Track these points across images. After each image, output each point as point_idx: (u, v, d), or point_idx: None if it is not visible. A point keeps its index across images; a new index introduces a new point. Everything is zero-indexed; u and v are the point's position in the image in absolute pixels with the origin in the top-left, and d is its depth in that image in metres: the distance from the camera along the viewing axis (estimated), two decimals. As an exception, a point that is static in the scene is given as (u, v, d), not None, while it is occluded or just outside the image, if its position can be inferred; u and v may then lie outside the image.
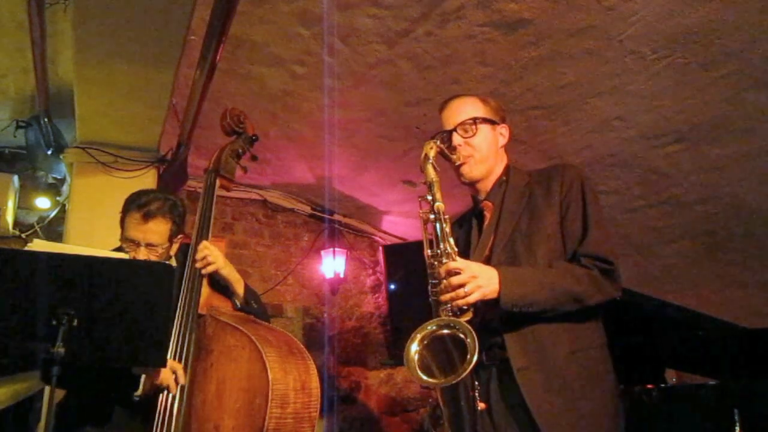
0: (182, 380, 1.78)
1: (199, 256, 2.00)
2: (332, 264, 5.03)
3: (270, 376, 1.68)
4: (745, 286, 4.41)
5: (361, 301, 5.40)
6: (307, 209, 5.19)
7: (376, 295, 5.50)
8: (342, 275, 5.07)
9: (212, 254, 2.02)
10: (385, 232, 5.59)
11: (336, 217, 5.28)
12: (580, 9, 2.71)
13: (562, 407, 1.51)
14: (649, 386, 2.67)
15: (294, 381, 1.75)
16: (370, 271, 5.53)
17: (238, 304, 2.07)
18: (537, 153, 3.80)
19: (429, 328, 1.52)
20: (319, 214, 5.22)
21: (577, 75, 3.13)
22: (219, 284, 2.08)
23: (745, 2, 2.57)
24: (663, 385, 2.84)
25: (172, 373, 1.78)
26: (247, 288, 2.12)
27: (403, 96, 3.49)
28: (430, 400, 1.59)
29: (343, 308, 5.25)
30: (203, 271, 2.00)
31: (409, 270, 5.19)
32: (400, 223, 5.42)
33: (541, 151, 3.78)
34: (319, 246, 5.19)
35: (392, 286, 5.36)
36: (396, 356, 5.31)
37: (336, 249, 5.06)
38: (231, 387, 1.74)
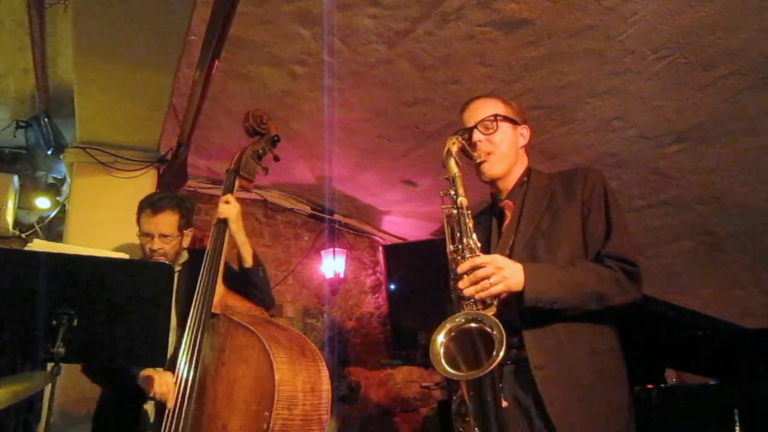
0: (171, 392, 1.81)
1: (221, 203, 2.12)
2: (332, 264, 5.03)
3: (277, 377, 1.68)
4: (745, 286, 4.41)
5: (361, 301, 5.39)
6: (307, 209, 5.19)
7: (376, 295, 5.50)
8: (342, 275, 5.07)
9: (229, 206, 2.11)
10: (385, 232, 5.59)
11: (336, 217, 5.28)
12: (580, 9, 2.71)
13: (578, 408, 1.51)
14: (649, 386, 2.67)
15: (303, 383, 1.75)
16: (370, 271, 5.53)
17: (244, 265, 2.15)
18: (537, 153, 3.80)
19: (456, 320, 1.49)
20: (319, 214, 5.22)
21: (577, 75, 3.13)
22: (234, 283, 2.13)
23: (745, 2, 2.57)
24: (663, 385, 2.84)
25: (164, 385, 1.82)
26: (255, 255, 2.20)
27: (403, 96, 3.49)
28: (454, 397, 1.57)
29: (343, 308, 5.25)
30: (222, 213, 2.09)
31: (409, 270, 5.19)
32: (400, 223, 5.42)
33: (541, 151, 3.78)
34: (319, 246, 5.19)
35: (392, 286, 5.36)
36: (396, 356, 5.31)
37: (336, 249, 5.06)
38: (240, 387, 1.75)
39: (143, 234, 2.27)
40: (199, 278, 1.96)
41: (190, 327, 1.86)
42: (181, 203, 2.33)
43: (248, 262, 2.16)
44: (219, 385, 1.78)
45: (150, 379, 1.86)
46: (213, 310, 1.90)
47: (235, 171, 2.20)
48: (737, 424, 2.32)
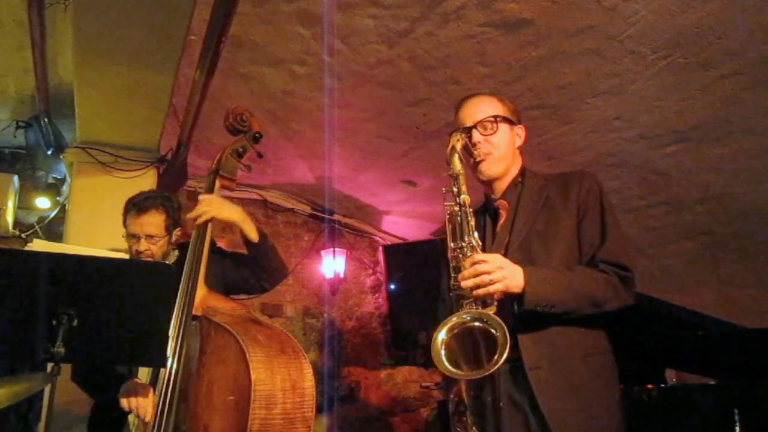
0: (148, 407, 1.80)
1: (193, 214, 2.05)
2: (332, 264, 5.03)
3: (252, 377, 1.66)
4: (745, 286, 4.41)
5: (361, 301, 5.39)
6: (307, 209, 5.19)
7: (376, 295, 5.50)
8: (342, 275, 5.07)
9: (206, 205, 2.04)
10: (385, 232, 5.59)
11: (336, 217, 5.28)
12: (580, 9, 2.71)
13: (574, 409, 1.52)
14: (649, 386, 2.67)
15: (282, 381, 1.73)
16: (370, 271, 5.53)
17: (252, 241, 2.15)
18: (537, 153, 3.80)
19: (459, 318, 1.49)
20: (319, 214, 5.22)
21: (577, 75, 3.13)
22: (216, 284, 2.10)
23: (745, 2, 2.57)
24: (663, 385, 2.84)
25: (142, 402, 1.80)
26: (257, 228, 2.19)
27: (403, 96, 3.49)
28: (451, 396, 1.58)
29: (343, 308, 5.25)
30: (198, 221, 2.03)
31: (409, 270, 5.19)
32: (400, 223, 5.42)
33: (541, 151, 3.78)
34: (319, 246, 5.19)
35: (392, 286, 5.36)
36: (396, 356, 5.32)
37: (336, 249, 5.06)
38: (219, 388, 1.74)
39: (129, 235, 2.19)
40: (180, 285, 1.92)
41: (171, 334, 1.84)
42: (167, 202, 2.24)
43: (255, 237, 2.15)
44: (200, 387, 1.77)
45: (127, 393, 1.82)
46: (194, 312, 1.88)
47: (215, 171, 2.15)
48: (737, 424, 2.32)
